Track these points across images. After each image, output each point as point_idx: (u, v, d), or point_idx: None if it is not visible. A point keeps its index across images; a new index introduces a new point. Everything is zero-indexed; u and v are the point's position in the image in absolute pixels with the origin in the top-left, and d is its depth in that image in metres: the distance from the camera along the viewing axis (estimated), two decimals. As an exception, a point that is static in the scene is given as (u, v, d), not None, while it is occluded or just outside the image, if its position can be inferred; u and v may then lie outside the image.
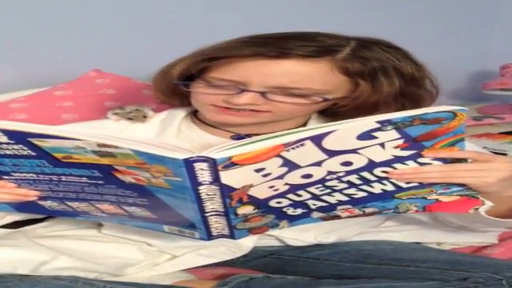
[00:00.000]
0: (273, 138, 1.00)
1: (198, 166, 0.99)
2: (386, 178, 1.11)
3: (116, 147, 1.00)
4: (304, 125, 1.38)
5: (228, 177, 1.02)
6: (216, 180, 1.02)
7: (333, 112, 1.36)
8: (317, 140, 1.01)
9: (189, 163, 0.99)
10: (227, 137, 1.37)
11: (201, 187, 1.03)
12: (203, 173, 1.00)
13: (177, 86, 1.33)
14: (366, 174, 1.10)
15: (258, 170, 1.03)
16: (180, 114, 1.42)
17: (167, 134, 1.38)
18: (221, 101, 1.28)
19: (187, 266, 1.32)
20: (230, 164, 1.00)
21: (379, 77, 1.27)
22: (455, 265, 1.20)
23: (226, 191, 1.05)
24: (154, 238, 1.33)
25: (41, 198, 1.17)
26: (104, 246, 1.33)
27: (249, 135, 1.36)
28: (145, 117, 1.41)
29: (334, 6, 2.37)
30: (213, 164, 0.99)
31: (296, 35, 1.26)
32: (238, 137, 1.36)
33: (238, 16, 2.16)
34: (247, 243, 1.32)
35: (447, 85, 2.66)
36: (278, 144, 1.00)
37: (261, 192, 1.09)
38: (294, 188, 1.10)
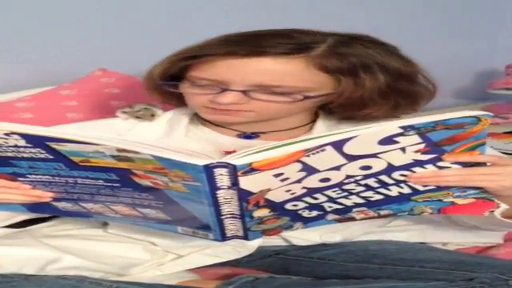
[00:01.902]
0: (293, 143, 1.00)
1: (217, 171, 1.00)
2: (404, 181, 1.11)
3: (136, 153, 1.00)
4: (312, 122, 1.39)
5: (247, 182, 1.02)
6: (234, 184, 1.02)
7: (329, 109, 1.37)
8: (338, 145, 1.01)
9: (209, 169, 0.99)
10: (234, 135, 1.37)
11: (219, 191, 1.03)
12: (222, 178, 1.01)
13: (163, 87, 1.34)
14: (384, 178, 1.10)
15: (276, 175, 1.03)
16: (187, 112, 1.42)
17: (176, 133, 1.38)
18: (207, 101, 1.29)
19: (192, 266, 1.32)
20: (250, 170, 1.00)
21: (359, 73, 1.26)
22: (461, 265, 1.20)
23: (244, 195, 1.05)
24: (159, 238, 1.33)
25: (55, 199, 1.17)
26: (109, 246, 1.33)
27: (254, 133, 1.37)
28: (153, 115, 1.41)
29: (339, 2, 2.37)
30: (232, 170, 0.99)
31: (271, 33, 1.26)
32: (245, 135, 1.37)
33: (243, 15, 2.16)
34: (253, 243, 1.31)
35: (452, 84, 2.67)
36: (298, 150, 1.00)
37: (278, 195, 1.09)
38: (311, 191, 1.10)
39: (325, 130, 1.36)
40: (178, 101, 1.39)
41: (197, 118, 1.42)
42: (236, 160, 0.99)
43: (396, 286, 1.15)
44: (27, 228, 1.36)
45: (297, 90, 1.26)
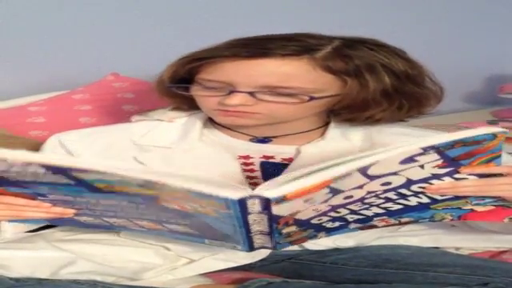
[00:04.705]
0: (323, 170, 1.01)
1: (250, 201, 1.00)
2: (422, 193, 1.12)
3: (164, 184, 0.98)
4: (325, 125, 1.40)
5: (278, 209, 1.03)
6: (266, 209, 1.03)
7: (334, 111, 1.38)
8: (364, 170, 1.02)
9: (242, 201, 0.99)
10: (246, 139, 1.39)
11: (250, 215, 1.04)
12: (254, 206, 1.01)
13: (174, 90, 1.36)
14: (403, 191, 1.11)
15: (306, 200, 1.05)
16: (201, 116, 1.43)
17: (190, 137, 1.39)
18: (216, 103, 1.30)
19: (205, 270, 1.32)
20: (283, 200, 1.01)
21: (364, 74, 1.28)
22: (475, 270, 1.20)
23: (275, 218, 1.06)
24: (172, 242, 1.32)
25: (77, 214, 1.16)
26: (122, 250, 1.33)
27: (267, 137, 1.38)
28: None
29: (348, 5, 2.38)
30: (265, 200, 1.00)
31: (279, 36, 1.29)
32: (258, 140, 1.39)
33: (257, 21, 2.16)
34: (266, 248, 1.32)
35: (463, 88, 2.65)
36: (329, 179, 1.01)
37: (305, 215, 1.10)
38: (334, 207, 1.11)
39: (338, 134, 1.38)
40: (190, 105, 1.40)
41: (210, 123, 1.43)
42: (270, 192, 1.00)
43: (409, 290, 1.16)
44: (40, 232, 1.36)
45: (303, 91, 1.28)
